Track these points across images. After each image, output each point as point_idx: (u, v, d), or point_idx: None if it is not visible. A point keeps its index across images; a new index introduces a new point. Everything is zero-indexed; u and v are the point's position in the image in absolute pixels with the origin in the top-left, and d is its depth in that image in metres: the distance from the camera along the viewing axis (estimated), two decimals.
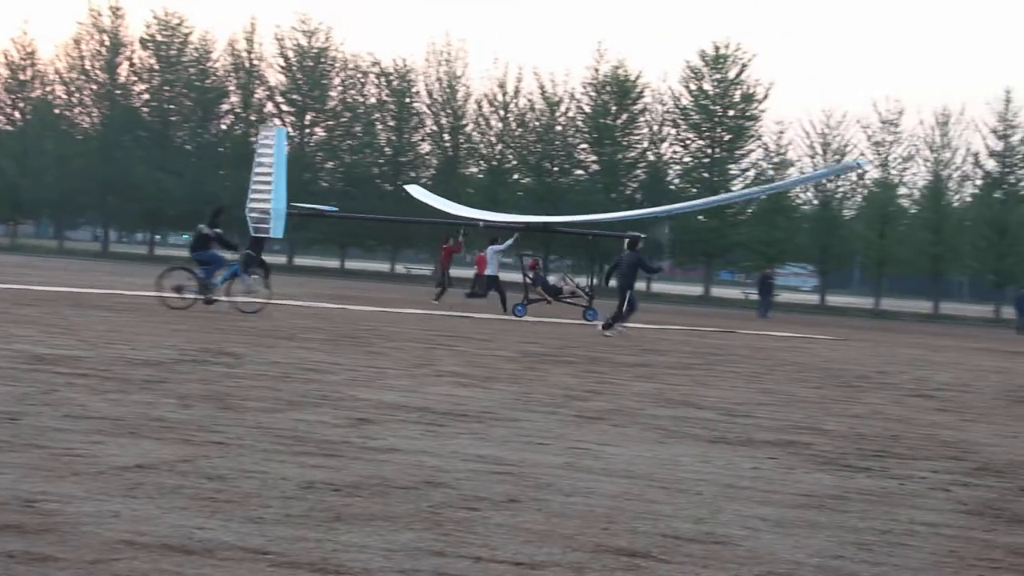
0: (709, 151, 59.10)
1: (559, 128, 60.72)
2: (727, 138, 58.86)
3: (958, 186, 59.58)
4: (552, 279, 30.05)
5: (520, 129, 61.13)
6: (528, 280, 28.45)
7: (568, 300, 28.49)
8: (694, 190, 58.96)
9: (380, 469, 6.67)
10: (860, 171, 28.48)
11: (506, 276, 30.39)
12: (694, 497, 6.52)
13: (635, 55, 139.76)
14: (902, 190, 59.79)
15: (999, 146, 57.51)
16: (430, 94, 62.02)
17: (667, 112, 59.85)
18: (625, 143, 60.25)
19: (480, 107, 61.32)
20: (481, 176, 61.54)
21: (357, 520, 5.36)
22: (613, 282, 22.71)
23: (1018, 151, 57.22)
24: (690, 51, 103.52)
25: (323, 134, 64.06)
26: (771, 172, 59.57)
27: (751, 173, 59.66)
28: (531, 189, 59.47)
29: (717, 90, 58.37)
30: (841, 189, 59.22)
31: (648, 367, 15.34)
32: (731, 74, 58.37)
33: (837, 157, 58.21)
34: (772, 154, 59.47)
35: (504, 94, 60.64)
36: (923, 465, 8.29)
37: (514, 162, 61.66)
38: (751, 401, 11.89)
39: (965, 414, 12.05)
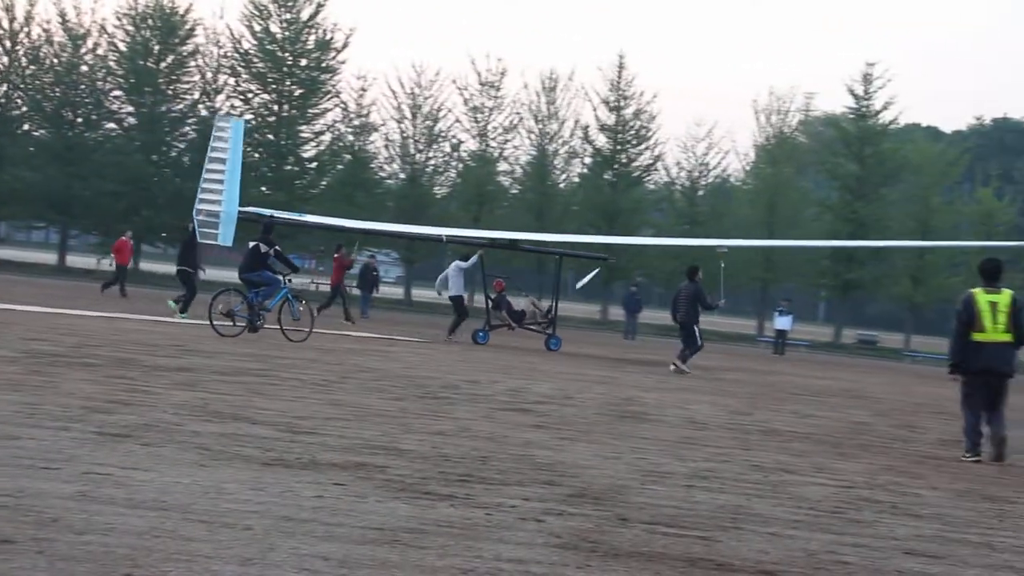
0: (276, 108, 59.13)
1: (85, 69, 58.65)
2: (298, 93, 59.12)
3: (565, 164, 62.92)
4: (520, 303, 32.29)
5: (32, 67, 58.51)
6: (491, 303, 30.70)
7: (532, 327, 31.07)
8: (256, 155, 58.84)
9: None
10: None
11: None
12: (242, 533, 6.51)
13: None
14: (503, 166, 62.41)
15: (611, 119, 61.20)
16: None
17: (224, 57, 59.42)
18: (171, 92, 59.19)
19: None
20: None
21: None
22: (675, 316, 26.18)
23: (631, 126, 61.14)
24: None
25: None
26: (351, 137, 60.46)
27: (327, 137, 60.30)
28: (46, 144, 57.19)
29: (287, 34, 58.49)
30: (432, 162, 60.97)
31: (191, 372, 15.13)
32: (304, 15, 58.66)
33: (429, 123, 59.92)
34: (352, 115, 60.37)
35: (11, 20, 57.82)
36: (514, 491, 8.69)
37: (24, 109, 58.97)
38: (317, 415, 12.00)
39: (564, 431, 12.74)
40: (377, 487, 8.33)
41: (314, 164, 60.43)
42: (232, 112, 59.42)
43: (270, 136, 59.10)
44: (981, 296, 13.82)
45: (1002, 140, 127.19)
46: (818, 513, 8.95)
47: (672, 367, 25.96)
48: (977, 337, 13.73)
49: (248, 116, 59.43)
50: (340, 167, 60.61)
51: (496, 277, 32.91)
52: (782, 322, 48.33)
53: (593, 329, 54.36)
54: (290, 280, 24.04)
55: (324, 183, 60.31)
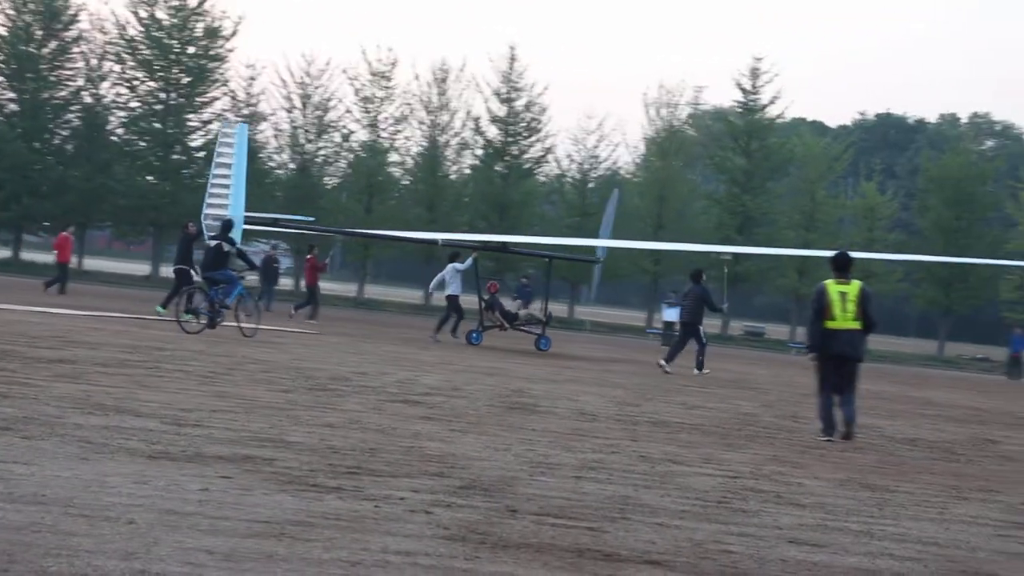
0: (163, 96, 58.40)
1: None
2: (186, 81, 58.43)
3: (457, 155, 62.91)
4: (511, 304, 33.40)
5: None
6: (484, 304, 31.51)
7: (523, 328, 32.01)
8: (143, 143, 58.16)
9: None
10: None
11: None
12: (124, 527, 6.43)
13: None
14: (393, 156, 62.21)
15: (502, 111, 61.33)
16: None
17: (110, 43, 58.48)
18: (54, 79, 58.18)
19: None
20: None
21: None
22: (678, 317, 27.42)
23: (522, 118, 61.32)
24: None
25: None
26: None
27: (215, 126, 59.69)
28: None
29: (174, 20, 57.76)
30: (322, 152, 60.68)
31: (74, 364, 14.90)
32: (192, 2, 57.99)
33: (319, 113, 59.56)
34: (241, 104, 59.85)
35: None
36: (403, 483, 8.68)
37: None
38: (203, 407, 11.88)
39: (453, 423, 12.75)
40: (264, 480, 8.27)
41: (202, 153, 59.76)
42: (118, 99, 58.69)
43: (156, 124, 58.35)
44: (832, 286, 14.78)
45: (885, 135, 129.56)
46: (705, 503, 9.05)
47: (659, 366, 26.74)
48: (829, 324, 14.68)
49: (134, 104, 58.69)
50: None
51: (491, 279, 34.39)
52: (670, 314, 48.71)
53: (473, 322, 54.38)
54: (243, 277, 24.65)
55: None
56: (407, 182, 63.06)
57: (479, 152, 62.88)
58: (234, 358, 18.54)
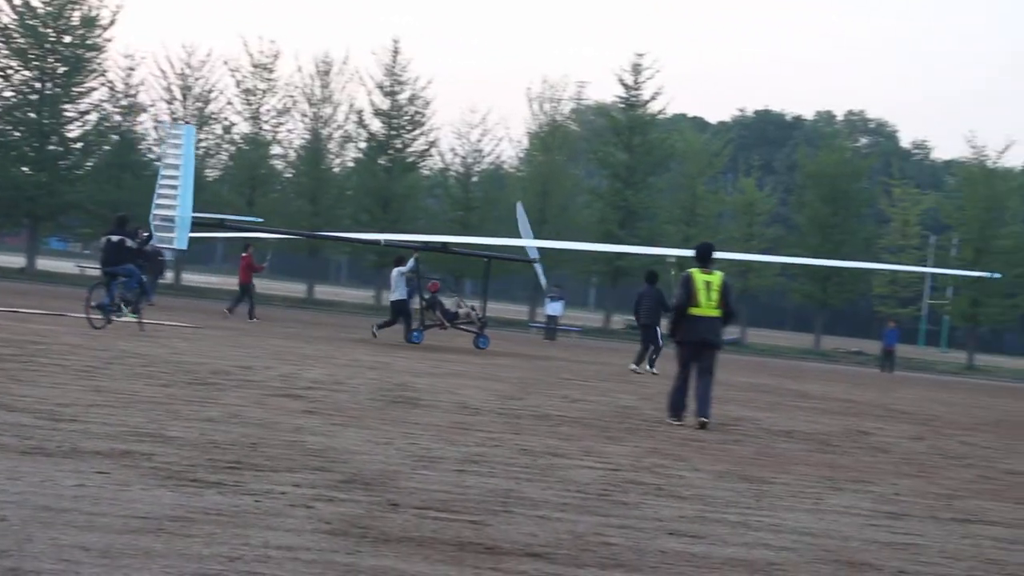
0: (39, 85, 57.25)
1: None
2: (62, 70, 57.34)
3: (340, 148, 62.59)
4: (447, 303, 33.68)
5: None
6: (424, 304, 31.99)
7: (463, 326, 32.78)
8: (18, 133, 57.02)
9: None
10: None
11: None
12: None
13: None
14: (276, 149, 61.74)
15: (385, 104, 61.14)
16: None
17: None
18: None
19: None
20: None
21: None
22: (638, 320, 27.72)
23: (406, 111, 61.18)
24: None
25: None
26: (117, 117, 59.06)
27: (92, 116, 58.76)
28: None
29: (50, 8, 56.62)
30: (204, 144, 59.98)
31: None
32: None
33: (200, 105, 58.88)
34: (119, 95, 58.96)
35: None
36: (284, 478, 8.63)
37: None
38: (80, 402, 11.71)
39: (335, 417, 12.70)
40: (142, 475, 8.17)
41: (79, 144, 58.76)
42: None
43: (32, 115, 57.18)
44: (698, 276, 15.75)
45: (763, 132, 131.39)
46: (586, 496, 9.12)
47: (632, 368, 27.59)
48: (693, 311, 15.65)
49: (8, 93, 57.48)
50: (107, 148, 59.13)
51: (432, 279, 34.74)
52: (553, 308, 48.99)
53: (368, 315, 54.25)
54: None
55: (90, 164, 58.73)
56: (290, 175, 62.60)
57: (362, 145, 62.60)
58: (112, 352, 18.26)
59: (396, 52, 61.09)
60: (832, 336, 73.69)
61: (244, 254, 37.19)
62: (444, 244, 35.60)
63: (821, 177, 63.91)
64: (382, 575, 6.17)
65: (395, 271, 31.82)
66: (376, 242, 36.93)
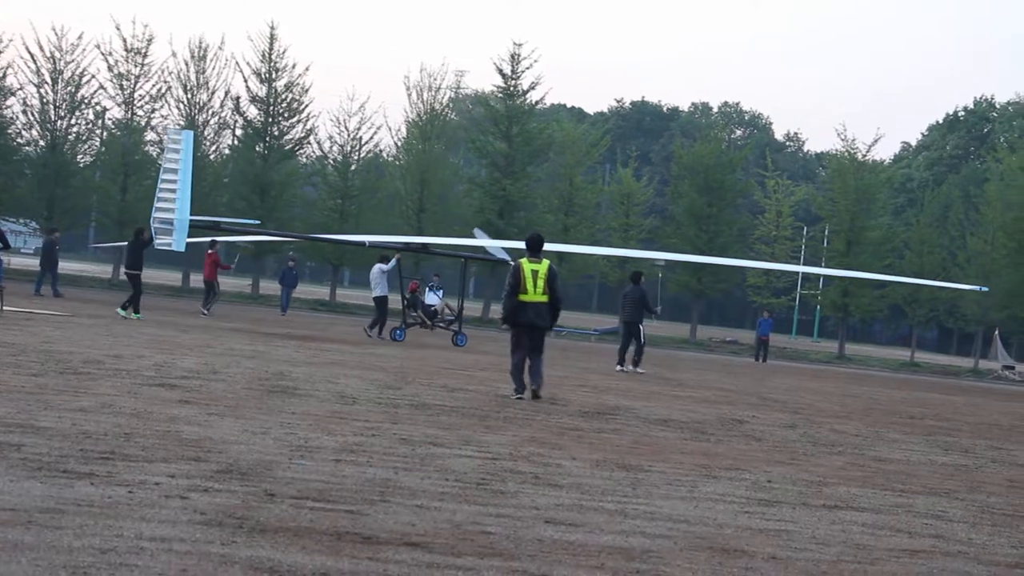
0: None
1: None
2: None
3: (216, 135, 61.83)
4: (436, 302, 34.98)
5: None
6: (405, 303, 33.25)
7: (443, 325, 34.22)
8: None
9: None
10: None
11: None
12: None
13: None
14: (150, 135, 60.78)
15: (262, 91, 60.52)
16: None
17: None
18: None
19: None
20: None
21: None
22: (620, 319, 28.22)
23: (283, 98, 60.62)
24: None
25: None
26: None
27: None
28: None
29: None
30: (75, 129, 58.91)
31: None
32: None
33: (70, 89, 57.76)
34: None
35: None
36: (158, 468, 8.52)
37: None
38: None
39: (211, 407, 12.56)
40: (11, 467, 8.01)
41: None
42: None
43: None
44: (526, 265, 17.49)
45: (640, 122, 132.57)
46: (464, 485, 9.13)
47: (618, 368, 28.12)
48: (523, 297, 17.44)
49: None
50: None
51: (412, 279, 36.32)
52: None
53: (246, 303, 53.74)
54: None
55: None
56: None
57: (239, 132, 61.93)
58: None
59: (273, 38, 60.47)
60: (707, 326, 74.47)
61: (210, 251, 37.86)
62: (424, 245, 37.65)
63: (696, 168, 64.56)
64: (258, 566, 6.12)
65: (376, 268, 33.28)
66: (361, 243, 37.83)
